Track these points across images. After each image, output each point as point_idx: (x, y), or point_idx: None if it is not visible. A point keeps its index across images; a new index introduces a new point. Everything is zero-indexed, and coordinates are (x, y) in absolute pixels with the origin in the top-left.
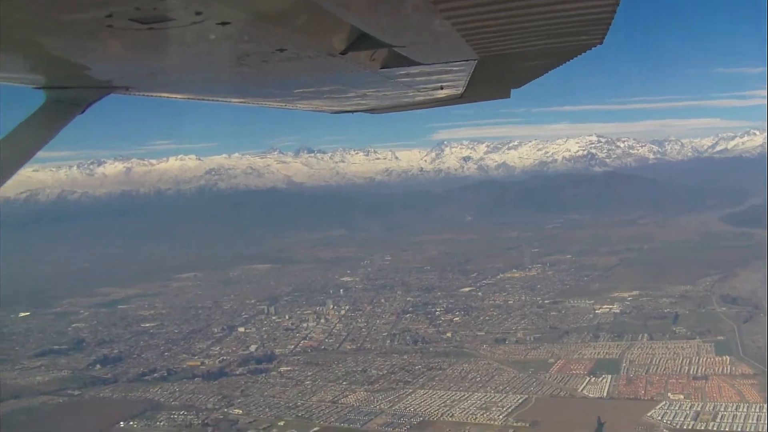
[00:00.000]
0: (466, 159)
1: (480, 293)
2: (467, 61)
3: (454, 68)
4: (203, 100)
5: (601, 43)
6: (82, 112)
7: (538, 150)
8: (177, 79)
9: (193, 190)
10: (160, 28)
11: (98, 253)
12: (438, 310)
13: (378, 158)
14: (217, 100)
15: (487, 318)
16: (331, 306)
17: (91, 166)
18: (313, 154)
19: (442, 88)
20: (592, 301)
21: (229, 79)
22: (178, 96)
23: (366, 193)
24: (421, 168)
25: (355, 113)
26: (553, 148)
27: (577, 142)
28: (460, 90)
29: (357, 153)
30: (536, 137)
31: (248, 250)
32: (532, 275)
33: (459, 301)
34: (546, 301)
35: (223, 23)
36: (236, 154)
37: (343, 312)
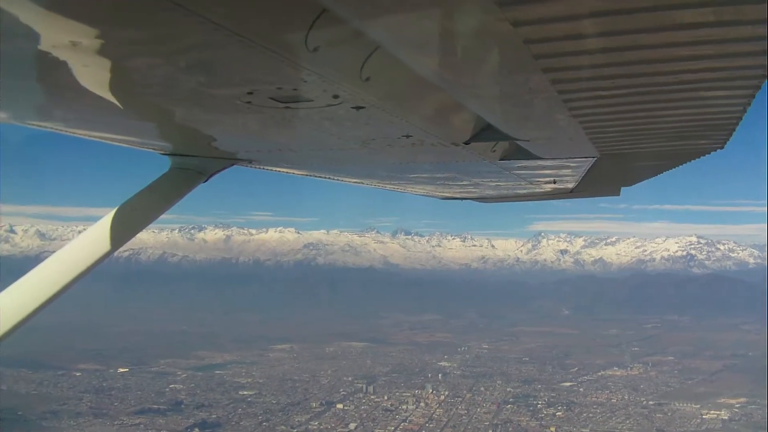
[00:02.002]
0: (563, 252)
1: (582, 389)
2: (586, 158)
3: (572, 164)
4: (320, 178)
5: (722, 148)
6: (206, 180)
7: (636, 248)
8: (301, 157)
9: (292, 263)
10: (296, 108)
11: (196, 316)
12: (539, 403)
13: (474, 245)
14: (334, 179)
15: (590, 415)
16: (430, 390)
17: (192, 231)
18: (410, 236)
19: (554, 182)
20: (698, 406)
21: (352, 159)
22: (298, 172)
23: (462, 280)
24: (518, 258)
25: (464, 200)
26: (651, 247)
27: (676, 242)
28: (572, 185)
29: (454, 239)
30: (634, 234)
31: (344, 327)
32: (634, 374)
33: (560, 396)
34: (650, 402)
35: (358, 107)
36: (335, 231)
37: (442, 397)
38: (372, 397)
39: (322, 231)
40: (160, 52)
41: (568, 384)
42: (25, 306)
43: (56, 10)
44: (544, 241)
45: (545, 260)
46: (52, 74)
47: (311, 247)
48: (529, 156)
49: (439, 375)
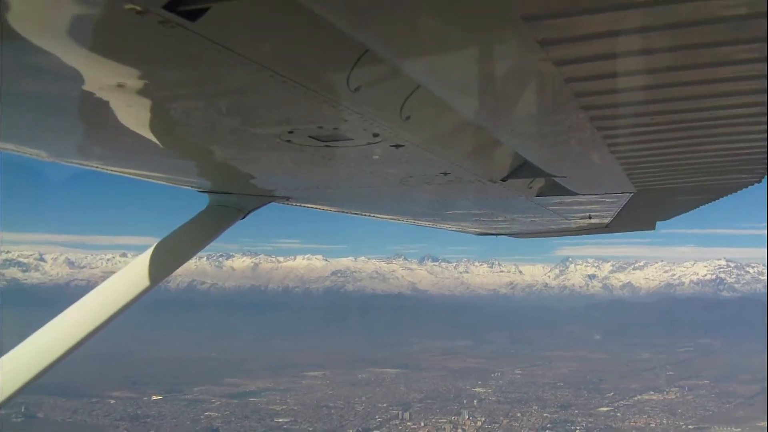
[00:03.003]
0: (591, 277)
1: (619, 414)
2: (623, 193)
3: (608, 200)
4: (356, 214)
5: (759, 181)
6: (244, 217)
7: (664, 272)
8: (338, 194)
9: (321, 290)
10: (336, 147)
11: (226, 343)
12: (578, 428)
13: (502, 271)
14: (369, 216)
15: None
16: (467, 416)
17: (220, 259)
18: (437, 263)
19: (590, 217)
20: (739, 430)
21: (388, 197)
22: (334, 209)
23: (490, 305)
24: (546, 283)
25: (498, 236)
26: (680, 271)
27: (705, 266)
28: (607, 220)
29: (481, 265)
30: (662, 258)
31: (376, 354)
32: (670, 398)
33: (598, 421)
34: (690, 426)
35: (397, 146)
36: (362, 258)
37: (479, 423)
38: (408, 423)
39: (350, 258)
40: (204, 93)
41: (605, 409)
42: (70, 338)
43: (100, 52)
44: (572, 266)
45: (573, 285)
46: (95, 114)
47: (339, 274)
48: (565, 192)
49: (475, 401)
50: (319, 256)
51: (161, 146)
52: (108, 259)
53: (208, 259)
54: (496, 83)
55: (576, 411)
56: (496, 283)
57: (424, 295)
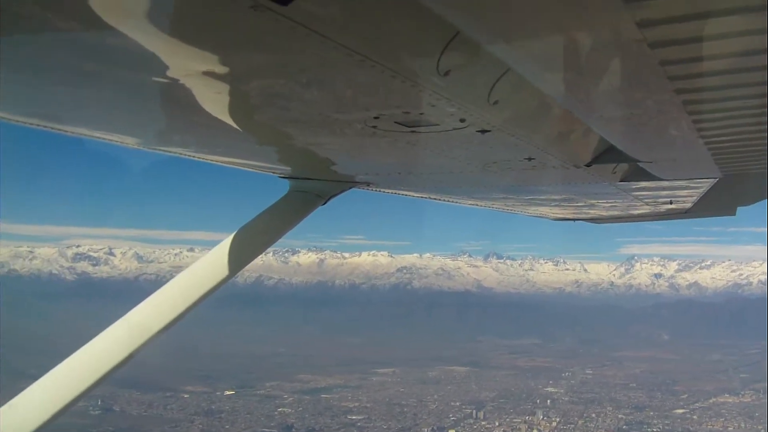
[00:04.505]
0: (657, 276)
1: (695, 416)
2: (708, 178)
3: (692, 185)
4: (435, 200)
5: None
6: (324, 203)
7: (732, 271)
8: (419, 179)
9: (387, 286)
10: (421, 132)
11: (294, 339)
12: (654, 430)
13: (567, 269)
14: (448, 201)
15: None
16: (541, 416)
17: (286, 255)
18: (502, 260)
19: (671, 203)
20: None
21: (470, 182)
22: (414, 194)
23: (556, 304)
24: (612, 282)
25: (576, 221)
26: (748, 270)
27: None
28: (688, 205)
29: (546, 262)
30: (729, 258)
31: (445, 351)
32: (746, 401)
33: (675, 423)
34: None
35: (483, 131)
36: (427, 255)
37: (554, 423)
38: (483, 423)
39: (415, 255)
40: (293, 79)
41: (680, 411)
42: (150, 328)
43: (188, 38)
44: (638, 264)
45: (639, 284)
46: (182, 102)
47: (405, 271)
48: (649, 177)
49: (548, 401)
50: (384, 253)
51: (246, 132)
52: (176, 254)
53: (274, 254)
54: (588, 66)
55: (651, 413)
56: (562, 281)
57: (490, 293)
